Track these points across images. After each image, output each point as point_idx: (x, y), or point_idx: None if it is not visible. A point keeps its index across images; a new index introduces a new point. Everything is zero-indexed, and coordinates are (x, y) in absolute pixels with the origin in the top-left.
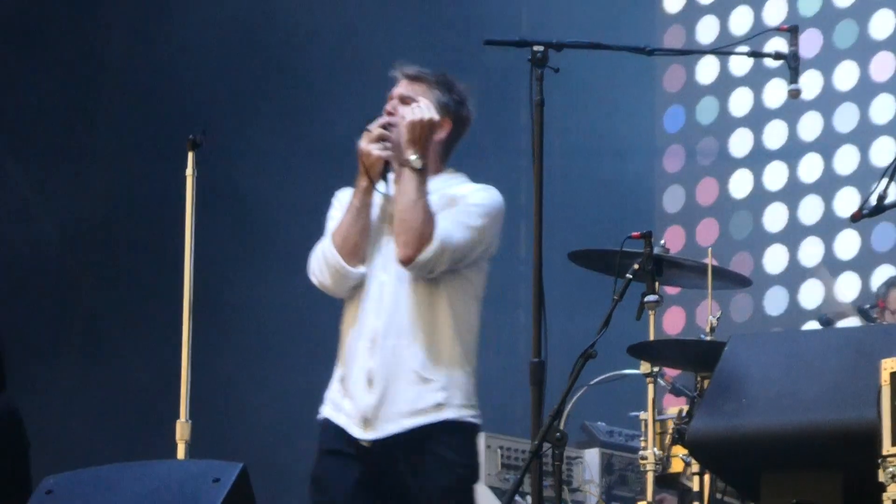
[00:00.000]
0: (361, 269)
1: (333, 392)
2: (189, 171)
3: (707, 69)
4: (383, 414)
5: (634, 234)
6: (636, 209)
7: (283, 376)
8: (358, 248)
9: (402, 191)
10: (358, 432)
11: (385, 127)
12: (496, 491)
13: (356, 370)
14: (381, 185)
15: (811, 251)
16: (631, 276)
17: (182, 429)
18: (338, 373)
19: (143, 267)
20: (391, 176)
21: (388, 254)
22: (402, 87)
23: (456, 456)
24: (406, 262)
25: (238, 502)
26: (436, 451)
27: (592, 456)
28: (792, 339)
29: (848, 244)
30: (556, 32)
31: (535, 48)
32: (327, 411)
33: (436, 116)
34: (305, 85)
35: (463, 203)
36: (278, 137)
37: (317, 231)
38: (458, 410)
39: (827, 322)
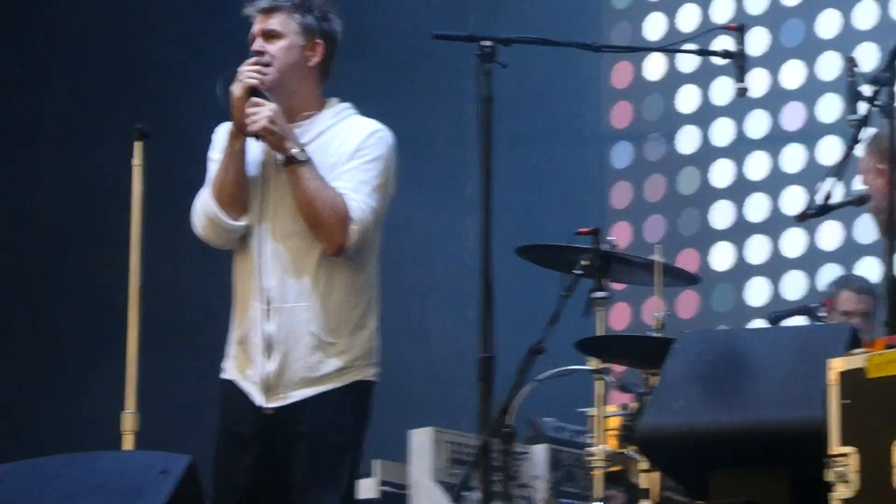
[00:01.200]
0: (242, 221)
1: (236, 352)
2: (136, 161)
3: (654, 66)
4: (285, 381)
5: (582, 229)
6: (585, 205)
7: None
8: (235, 198)
9: (299, 188)
10: (260, 399)
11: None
12: (444, 486)
13: (254, 334)
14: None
15: (758, 249)
16: (580, 273)
17: (129, 420)
18: (237, 333)
19: (92, 256)
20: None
21: (277, 208)
22: (260, 23)
23: (352, 413)
24: (337, 252)
25: (186, 495)
26: (336, 412)
27: (540, 452)
28: (740, 337)
29: (794, 242)
30: (504, 28)
31: (483, 43)
32: (231, 372)
33: (273, 106)
34: None
35: (360, 159)
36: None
37: None
38: (360, 371)
39: (777, 319)
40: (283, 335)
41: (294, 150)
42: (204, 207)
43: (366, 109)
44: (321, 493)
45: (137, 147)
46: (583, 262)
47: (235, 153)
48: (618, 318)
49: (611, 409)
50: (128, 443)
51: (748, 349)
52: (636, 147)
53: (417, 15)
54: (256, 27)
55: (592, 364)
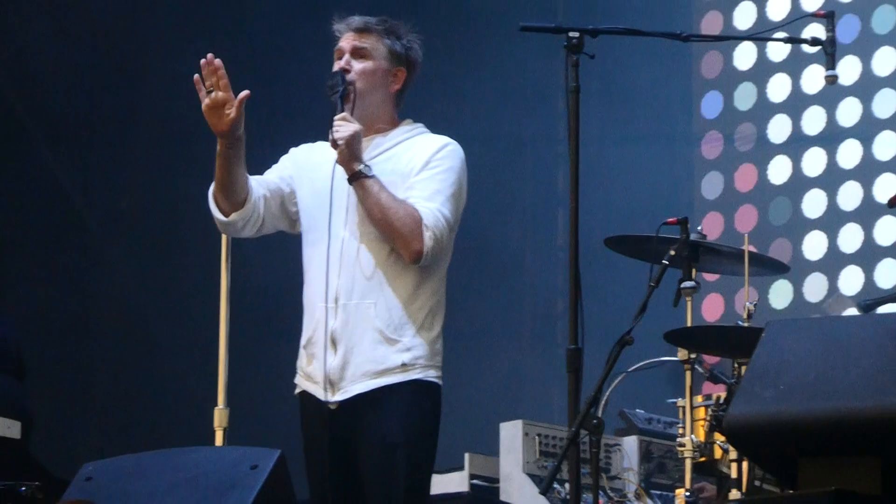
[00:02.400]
0: (228, 217)
1: (300, 359)
2: None
3: (744, 55)
4: (348, 375)
5: (670, 219)
6: (675, 196)
7: None
8: (225, 199)
9: (372, 202)
10: (324, 395)
11: (344, 87)
12: (534, 478)
13: (320, 332)
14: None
15: (850, 237)
16: (667, 263)
17: (220, 416)
18: (303, 338)
19: (182, 254)
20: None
21: (349, 211)
22: (351, 40)
23: (417, 414)
24: (416, 259)
25: (275, 489)
26: (398, 410)
27: (631, 443)
28: (830, 325)
29: (887, 230)
30: (592, 19)
31: (571, 34)
32: (300, 381)
33: (357, 128)
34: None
35: (432, 170)
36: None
37: None
38: (422, 371)
39: (867, 308)
40: (348, 331)
41: (359, 167)
42: (210, 205)
43: (455, 103)
44: (381, 490)
45: None
46: (671, 252)
47: (221, 155)
48: (711, 309)
49: (700, 399)
50: (219, 438)
51: (838, 337)
52: (727, 137)
53: (505, 7)
54: (346, 43)
55: (682, 355)
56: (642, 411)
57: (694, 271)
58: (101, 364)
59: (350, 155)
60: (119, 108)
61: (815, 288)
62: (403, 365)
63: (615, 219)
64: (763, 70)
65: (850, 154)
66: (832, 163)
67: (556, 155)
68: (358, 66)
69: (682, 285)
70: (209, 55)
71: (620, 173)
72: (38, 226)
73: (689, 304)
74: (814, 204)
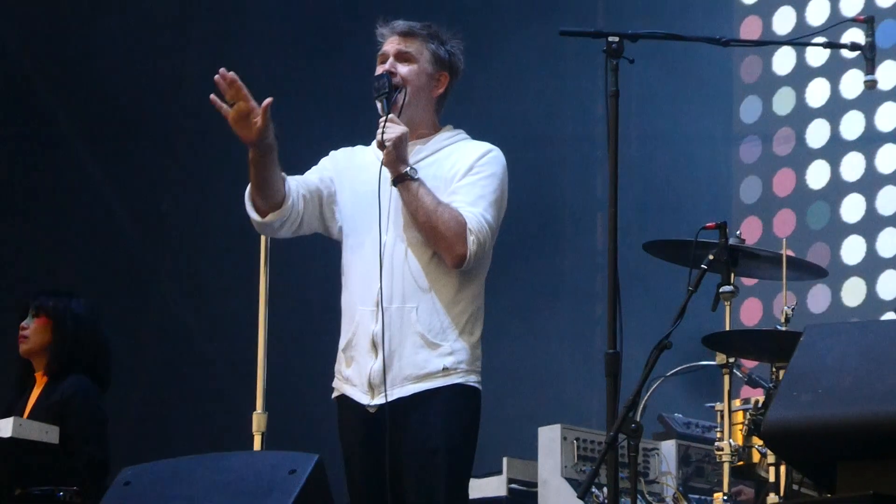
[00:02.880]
0: (265, 218)
1: (339, 363)
2: None
3: (784, 60)
4: (390, 379)
5: (709, 224)
6: (713, 200)
7: None
8: (262, 201)
9: (417, 204)
10: (364, 399)
11: (391, 89)
12: (572, 482)
13: (361, 336)
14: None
15: (889, 242)
16: (706, 267)
17: (258, 420)
18: (343, 341)
19: (220, 257)
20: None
21: (392, 215)
22: (396, 43)
23: (458, 418)
24: (460, 263)
25: (314, 493)
26: (439, 414)
27: (669, 447)
28: (868, 329)
29: None
30: (631, 23)
31: (611, 39)
32: (337, 385)
33: (404, 129)
34: None
35: (476, 175)
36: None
37: None
38: (464, 375)
39: None
40: (390, 334)
41: (405, 170)
42: (247, 207)
43: (494, 107)
44: (421, 495)
45: None
46: (710, 257)
47: (253, 162)
48: (749, 314)
49: (738, 403)
50: (257, 442)
51: (877, 341)
52: (765, 142)
53: (545, 12)
54: (391, 47)
55: (720, 359)
56: (680, 415)
57: (732, 276)
58: (140, 368)
59: (397, 156)
60: (157, 111)
61: (853, 293)
62: (445, 369)
63: (654, 223)
64: (802, 75)
65: (888, 159)
66: (870, 167)
67: (594, 159)
68: (403, 69)
69: (721, 290)
70: (221, 70)
71: (659, 177)
72: (77, 231)
73: (727, 308)
74: (852, 208)
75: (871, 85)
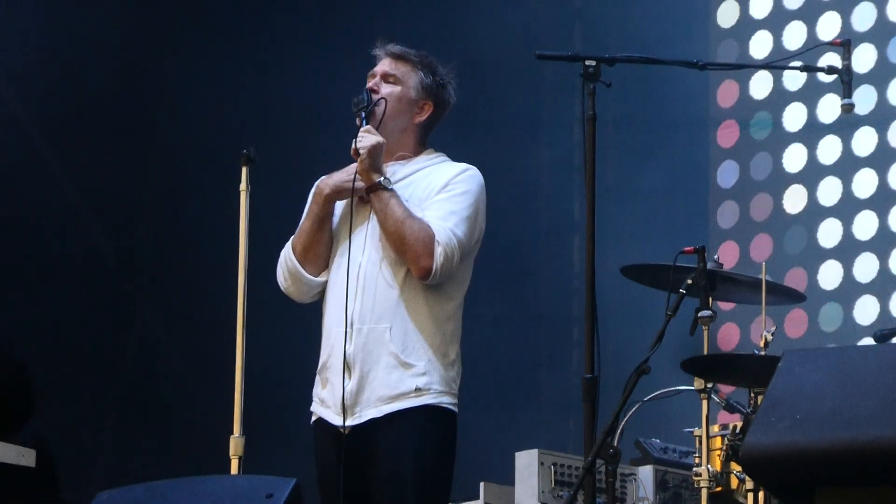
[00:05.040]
0: (322, 277)
1: (316, 385)
2: (243, 186)
3: (760, 84)
4: (363, 399)
5: (687, 248)
6: (690, 225)
7: None
8: (319, 257)
9: (386, 214)
10: (337, 420)
11: (369, 104)
12: None
13: (334, 357)
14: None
15: (866, 267)
16: (684, 291)
17: (235, 444)
18: (320, 363)
19: (197, 281)
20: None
21: (366, 236)
22: (385, 65)
23: (431, 441)
24: (425, 276)
25: None
26: (412, 435)
27: (646, 473)
28: (847, 355)
29: None
30: (608, 48)
31: (588, 62)
32: (314, 408)
33: (380, 139)
34: None
35: (449, 192)
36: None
37: None
38: (437, 396)
39: (882, 338)
40: (363, 355)
41: (378, 179)
42: (288, 266)
43: (471, 132)
44: None
45: (244, 172)
46: (688, 281)
47: (325, 215)
48: (727, 339)
49: (716, 429)
50: (234, 466)
51: (855, 367)
52: (742, 166)
53: (522, 36)
54: (380, 67)
55: (698, 384)
56: (658, 441)
57: (711, 300)
58: (116, 391)
59: (370, 165)
60: (134, 135)
61: (830, 318)
62: (417, 389)
63: (630, 247)
64: (779, 99)
65: (865, 184)
66: (847, 192)
67: (571, 183)
68: (385, 89)
69: (700, 314)
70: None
71: (636, 202)
72: (53, 254)
73: (705, 333)
74: (829, 233)
75: (848, 108)
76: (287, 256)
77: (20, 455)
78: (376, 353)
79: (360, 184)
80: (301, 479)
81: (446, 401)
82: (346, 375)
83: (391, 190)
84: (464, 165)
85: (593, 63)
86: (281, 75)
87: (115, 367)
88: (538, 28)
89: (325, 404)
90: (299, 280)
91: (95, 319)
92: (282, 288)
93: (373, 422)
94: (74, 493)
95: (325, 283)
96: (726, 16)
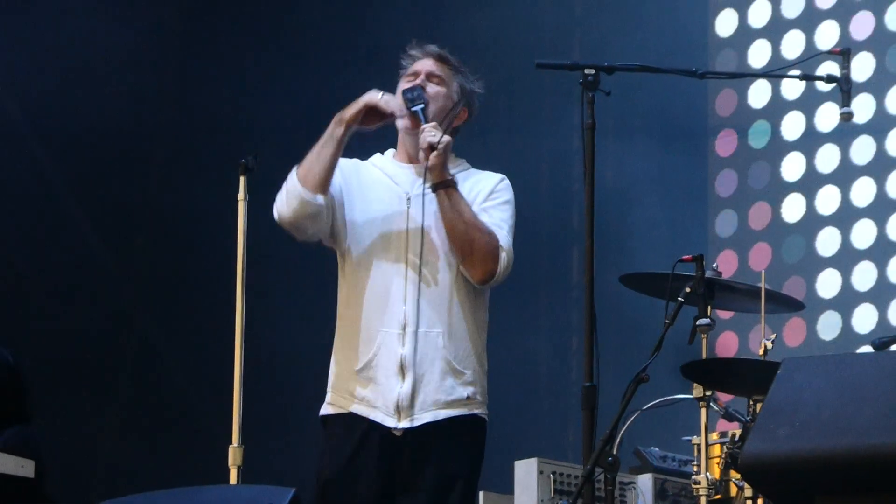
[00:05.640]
0: (319, 198)
1: (345, 381)
2: (241, 195)
3: (759, 93)
4: (418, 403)
5: (686, 257)
6: (688, 233)
7: None
8: (319, 179)
9: (458, 211)
10: (390, 421)
11: (420, 99)
12: None
13: (384, 357)
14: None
15: (864, 275)
16: (683, 300)
17: (234, 453)
18: (357, 361)
19: (195, 291)
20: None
21: (421, 237)
22: (430, 65)
23: (473, 450)
24: (487, 279)
25: None
26: (459, 444)
27: (646, 481)
28: (846, 363)
29: None
30: (608, 57)
31: (587, 71)
32: (340, 403)
33: (449, 139)
34: None
35: (495, 201)
36: None
37: None
38: (480, 406)
39: (881, 346)
40: (419, 358)
41: (450, 177)
42: (288, 187)
43: (470, 138)
44: None
45: (242, 181)
46: (686, 290)
47: (338, 140)
48: (725, 347)
49: (715, 437)
50: (233, 476)
51: (853, 375)
52: (740, 175)
53: (522, 45)
54: (423, 67)
55: (697, 392)
56: (657, 449)
57: (709, 308)
58: (116, 402)
59: (443, 162)
60: (133, 142)
61: (828, 326)
62: (468, 398)
63: (629, 255)
64: (777, 108)
65: (863, 192)
66: (846, 201)
67: (570, 192)
68: (432, 89)
69: (698, 322)
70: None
71: (634, 210)
72: (52, 262)
73: (704, 341)
74: (828, 242)
75: (847, 117)
76: (288, 181)
77: (19, 466)
78: (431, 356)
79: (403, 171)
80: (300, 488)
81: (483, 411)
82: (399, 378)
83: (457, 188)
84: (499, 175)
85: (592, 72)
86: (280, 84)
87: (115, 378)
88: (537, 37)
89: (371, 404)
90: (298, 199)
91: (94, 329)
92: (277, 218)
93: (428, 426)
94: (74, 502)
95: (320, 205)
96: (725, 25)
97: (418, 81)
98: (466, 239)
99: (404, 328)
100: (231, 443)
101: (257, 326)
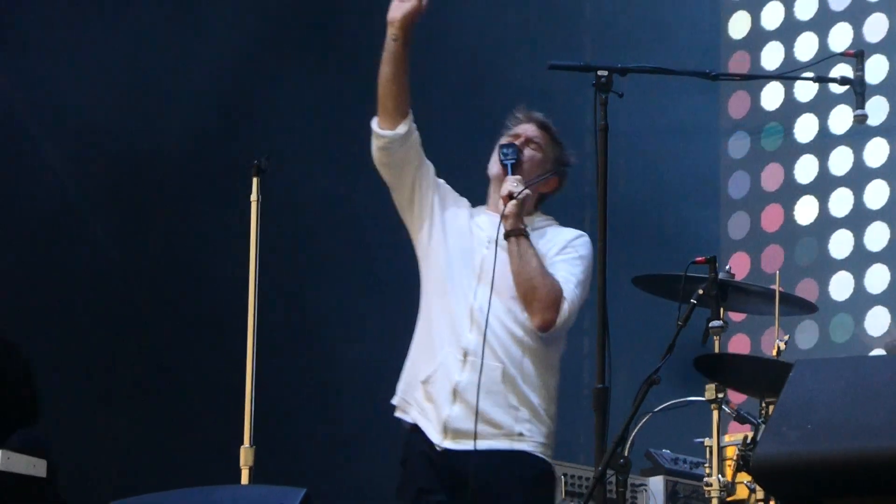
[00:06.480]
0: (398, 129)
1: (414, 389)
2: (254, 196)
3: (772, 95)
4: (466, 428)
5: (699, 258)
6: (701, 235)
7: (347, 401)
8: (383, 106)
9: (525, 260)
10: (437, 438)
11: (513, 155)
12: None
13: (443, 379)
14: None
15: (877, 278)
16: (695, 302)
17: (246, 454)
18: (420, 371)
19: (208, 291)
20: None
21: (494, 273)
22: (531, 131)
23: (524, 493)
24: (547, 328)
25: None
26: (502, 473)
27: (657, 483)
28: (858, 365)
29: None
30: (620, 58)
31: (600, 73)
32: (410, 412)
33: (529, 192)
34: None
35: (567, 255)
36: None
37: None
38: (536, 446)
39: (894, 348)
40: (473, 387)
41: (523, 226)
42: (374, 141)
43: (481, 141)
44: None
45: (255, 183)
46: (699, 292)
47: (391, 50)
48: (737, 349)
49: (728, 439)
50: (244, 476)
51: (866, 377)
52: (753, 177)
53: (534, 47)
54: (526, 130)
55: (709, 394)
56: (669, 451)
57: (722, 311)
58: (127, 401)
59: (519, 212)
60: (144, 141)
61: (841, 329)
62: (520, 434)
63: (642, 257)
64: (790, 110)
65: (877, 195)
66: (859, 203)
67: (582, 194)
68: (528, 152)
69: (711, 324)
70: None
71: (648, 212)
72: (62, 262)
73: (716, 343)
74: (840, 244)
75: (861, 119)
76: (372, 125)
77: (31, 465)
78: (486, 388)
79: (483, 216)
80: (311, 489)
81: (539, 450)
82: (452, 400)
83: (529, 239)
84: (578, 231)
85: (605, 73)
86: (292, 86)
87: (126, 377)
88: (547, 39)
89: (427, 417)
90: (378, 138)
91: (104, 329)
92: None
93: (469, 453)
94: (85, 502)
95: (399, 135)
96: (738, 27)
97: (518, 142)
98: (530, 286)
99: (465, 356)
100: (243, 443)
101: (270, 326)
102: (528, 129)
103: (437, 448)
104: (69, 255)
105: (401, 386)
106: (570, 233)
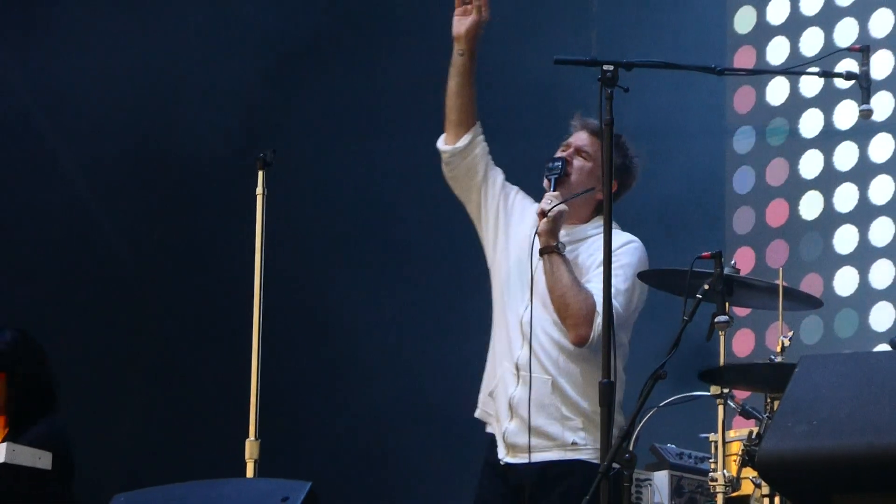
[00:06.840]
0: (448, 147)
1: (488, 406)
2: (259, 189)
3: (777, 90)
4: (522, 442)
5: (704, 254)
6: (706, 230)
7: (351, 395)
8: (448, 120)
9: (556, 277)
10: (501, 452)
11: (562, 173)
12: None
13: (502, 394)
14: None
15: (882, 273)
16: (701, 297)
17: (251, 447)
18: (489, 382)
19: (214, 285)
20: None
21: (534, 284)
22: (581, 140)
23: (569, 495)
24: (581, 343)
25: None
26: (563, 490)
27: (662, 478)
28: (863, 360)
29: None
30: (626, 53)
31: (605, 67)
32: (491, 426)
33: (565, 208)
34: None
35: (612, 264)
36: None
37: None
38: (592, 453)
39: None
40: (525, 402)
41: (555, 243)
42: (442, 156)
43: (488, 137)
44: None
45: (260, 176)
46: (705, 287)
47: (457, 65)
48: (742, 345)
49: (733, 434)
50: (250, 470)
51: (871, 372)
52: (758, 172)
53: (539, 41)
54: (576, 141)
55: (714, 390)
56: (674, 446)
57: (727, 306)
58: (132, 395)
59: (551, 229)
60: (151, 138)
61: (846, 324)
62: (574, 443)
63: (647, 253)
64: (795, 105)
65: (882, 190)
66: (864, 198)
67: None
68: (577, 163)
69: (716, 320)
70: None
71: (653, 207)
72: (70, 258)
73: (721, 338)
74: (845, 239)
75: (866, 114)
76: (439, 148)
77: (36, 458)
78: (537, 402)
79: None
80: (316, 482)
81: (594, 457)
82: (509, 415)
83: (564, 255)
84: (627, 236)
85: (611, 68)
86: (296, 80)
87: (132, 371)
88: (554, 34)
89: (495, 430)
90: (445, 157)
91: (111, 322)
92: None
93: (528, 466)
94: (90, 495)
95: (456, 150)
96: (743, 22)
97: (566, 153)
98: (562, 303)
99: (517, 370)
100: (248, 436)
101: (275, 319)
102: (579, 138)
103: (501, 462)
104: (80, 251)
105: (479, 397)
106: (619, 238)
